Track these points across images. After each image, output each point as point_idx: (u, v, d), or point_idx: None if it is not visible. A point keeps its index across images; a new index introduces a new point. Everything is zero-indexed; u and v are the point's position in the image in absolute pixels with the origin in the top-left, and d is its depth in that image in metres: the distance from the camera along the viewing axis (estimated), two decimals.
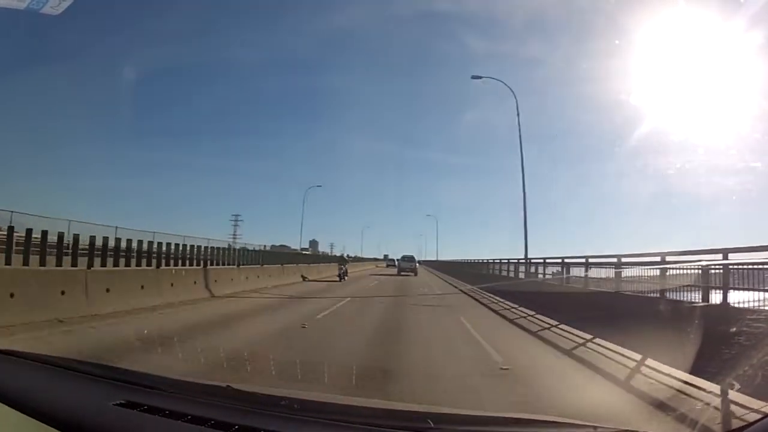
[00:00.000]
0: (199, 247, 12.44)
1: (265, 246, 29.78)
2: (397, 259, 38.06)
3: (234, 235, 67.60)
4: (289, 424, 1.46)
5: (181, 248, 11.41)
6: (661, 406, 3.51)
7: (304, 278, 19.27)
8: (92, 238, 8.55)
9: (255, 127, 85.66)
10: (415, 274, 30.97)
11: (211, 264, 12.55)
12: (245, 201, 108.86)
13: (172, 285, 9.95)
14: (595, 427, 1.49)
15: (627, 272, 9.62)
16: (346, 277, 21.50)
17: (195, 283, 10.97)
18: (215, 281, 11.77)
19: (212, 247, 13.62)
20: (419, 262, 39.73)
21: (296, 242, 43.14)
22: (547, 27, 45.88)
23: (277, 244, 38.13)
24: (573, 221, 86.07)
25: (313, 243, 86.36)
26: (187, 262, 11.46)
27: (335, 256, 35.29)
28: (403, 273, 31.28)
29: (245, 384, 2.09)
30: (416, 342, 6.85)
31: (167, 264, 10.43)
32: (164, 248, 10.57)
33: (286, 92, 75.90)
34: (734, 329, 4.59)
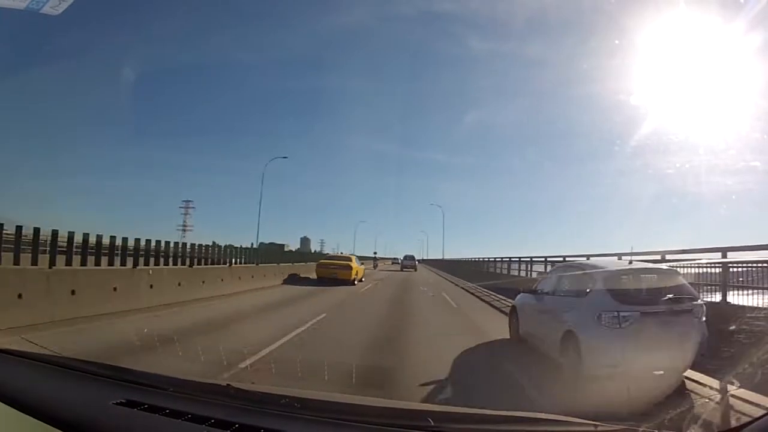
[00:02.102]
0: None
1: (253, 244, 33.67)
2: (401, 258, 43.72)
3: (184, 225, 61.41)
4: (290, 423, 1.45)
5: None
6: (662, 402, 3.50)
7: None
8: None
9: (248, 124, 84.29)
10: (415, 270, 37.19)
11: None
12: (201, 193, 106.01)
13: None
14: (595, 425, 1.47)
15: None
16: (377, 268, 37.19)
17: None
18: None
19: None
20: (419, 260, 46.41)
21: (273, 238, 46.99)
22: (549, 27, 45.72)
23: (266, 242, 39.40)
24: (573, 221, 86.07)
25: (304, 240, 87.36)
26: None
27: (369, 256, 49.53)
28: (405, 269, 37.30)
29: (245, 383, 2.09)
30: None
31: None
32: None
33: (284, 92, 75.32)
34: (734, 327, 4.58)
